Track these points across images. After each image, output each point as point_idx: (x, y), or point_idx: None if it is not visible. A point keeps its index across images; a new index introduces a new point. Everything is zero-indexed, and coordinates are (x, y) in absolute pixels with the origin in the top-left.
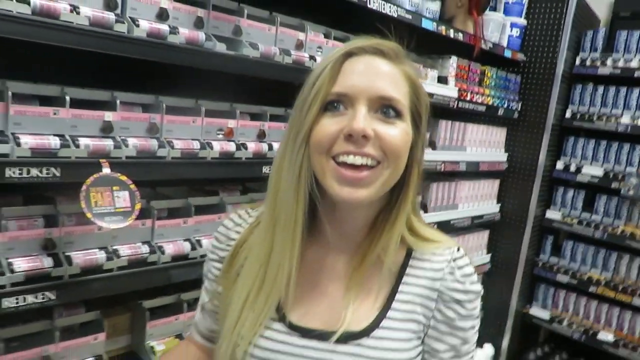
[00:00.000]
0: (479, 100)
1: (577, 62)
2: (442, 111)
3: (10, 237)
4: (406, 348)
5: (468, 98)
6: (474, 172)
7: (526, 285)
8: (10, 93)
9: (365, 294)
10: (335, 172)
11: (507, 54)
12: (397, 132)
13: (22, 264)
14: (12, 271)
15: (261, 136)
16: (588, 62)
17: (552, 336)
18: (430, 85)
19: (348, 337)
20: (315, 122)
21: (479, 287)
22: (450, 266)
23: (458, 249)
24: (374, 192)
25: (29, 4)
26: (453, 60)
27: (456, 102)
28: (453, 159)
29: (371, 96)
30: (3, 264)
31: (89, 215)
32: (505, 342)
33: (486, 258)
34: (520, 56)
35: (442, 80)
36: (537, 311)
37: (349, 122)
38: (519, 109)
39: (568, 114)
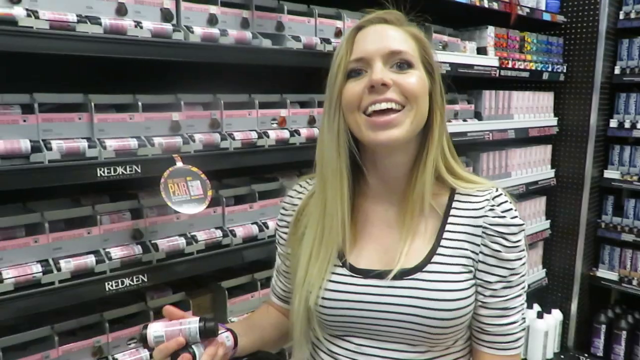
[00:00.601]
0: (522, 67)
1: (621, 16)
2: (484, 82)
3: (105, 229)
4: (458, 280)
5: (510, 66)
6: (524, 138)
7: (590, 248)
8: (92, 105)
9: (415, 234)
10: (368, 122)
11: (546, 17)
12: (413, 78)
13: (117, 252)
14: (110, 259)
15: (311, 122)
16: (633, 15)
17: (622, 297)
18: (469, 57)
19: (404, 274)
20: (342, 89)
21: (520, 221)
22: (490, 204)
23: (497, 190)
24: (405, 131)
25: (100, 24)
26: (490, 30)
27: (498, 71)
28: (500, 127)
29: (383, 53)
30: (102, 253)
31: (169, 203)
32: (574, 307)
33: (546, 224)
34: (560, 18)
35: (481, 51)
36: (605, 273)
37: (369, 77)
38: (564, 71)
39: (617, 71)
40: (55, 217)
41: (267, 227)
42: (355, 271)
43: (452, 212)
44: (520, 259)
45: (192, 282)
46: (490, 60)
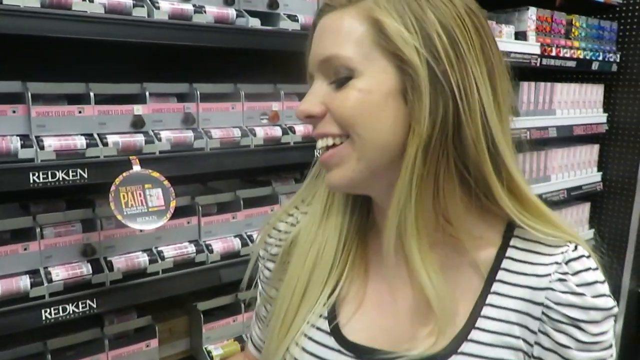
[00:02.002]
0: (567, 55)
1: None
2: (523, 72)
3: (47, 244)
4: None
5: (553, 53)
6: (567, 137)
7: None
8: (29, 94)
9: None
10: None
11: None
12: (346, 95)
13: (60, 272)
14: (50, 280)
15: None
16: None
17: None
18: (506, 42)
19: None
20: None
21: (607, 302)
22: (561, 270)
23: (576, 248)
24: (350, 171)
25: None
26: (531, 12)
27: (539, 60)
28: (540, 124)
29: (316, 65)
30: (41, 273)
31: (119, 217)
32: (618, 327)
33: (588, 234)
34: None
35: (520, 36)
36: None
37: None
38: (617, 61)
39: None
40: None
41: (252, 241)
42: (346, 345)
43: (501, 275)
44: None
45: (168, 301)
46: (531, 46)
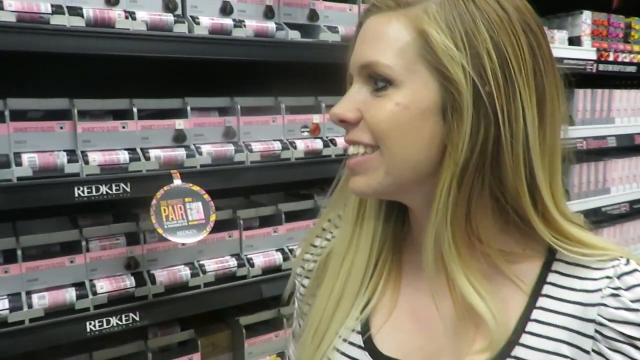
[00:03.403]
0: (627, 60)
1: None
2: (578, 78)
3: (93, 257)
4: None
5: (611, 58)
6: (628, 147)
7: None
8: (76, 111)
9: (475, 318)
10: None
11: None
12: (382, 107)
13: (105, 285)
14: (94, 293)
15: None
16: None
17: None
18: (558, 48)
19: None
20: None
21: None
22: (613, 285)
23: (628, 262)
24: (375, 182)
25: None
26: (586, 16)
27: (595, 65)
28: (598, 134)
29: (357, 69)
30: (86, 286)
31: (159, 230)
32: None
33: None
34: None
35: (573, 41)
36: None
37: None
38: None
39: None
40: (32, 243)
41: (294, 256)
42: (379, 358)
43: (547, 290)
44: None
45: (212, 314)
46: (586, 52)
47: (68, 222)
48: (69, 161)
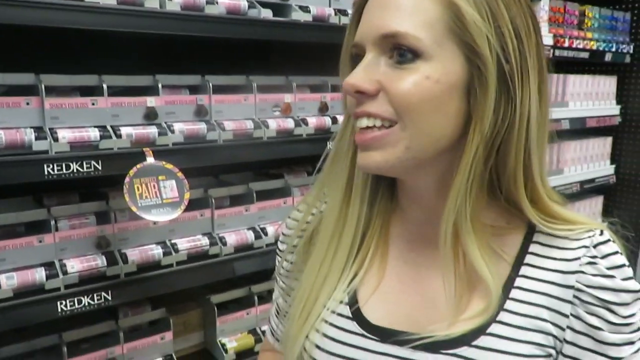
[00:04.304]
0: (580, 46)
1: None
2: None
3: (62, 237)
4: None
5: (566, 45)
6: (580, 130)
7: None
8: (43, 86)
9: (468, 286)
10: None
11: None
12: (411, 80)
13: (75, 265)
14: (65, 272)
15: (323, 109)
16: None
17: None
18: None
19: (441, 345)
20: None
21: (636, 285)
22: (590, 254)
23: (602, 233)
24: (394, 157)
25: None
26: (544, 3)
27: (552, 51)
28: (553, 117)
29: (375, 38)
30: (56, 266)
31: (134, 208)
32: None
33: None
34: None
35: None
36: None
37: None
38: (631, 52)
39: None
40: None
41: (266, 234)
42: (368, 328)
43: (529, 259)
44: (633, 343)
45: (183, 294)
46: (544, 37)
47: (32, 201)
48: (37, 138)
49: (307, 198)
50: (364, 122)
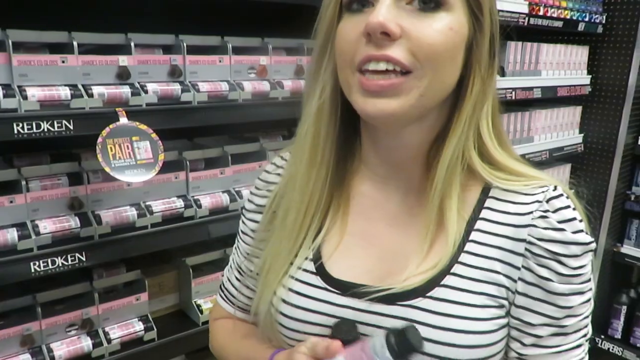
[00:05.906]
0: (555, 15)
1: None
2: (510, 31)
3: (34, 197)
4: (479, 317)
5: (541, 13)
6: (551, 99)
7: (616, 222)
8: (10, 42)
9: (425, 242)
10: (359, 83)
11: None
12: (436, 28)
13: (48, 225)
14: (37, 233)
15: (299, 72)
16: None
17: None
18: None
19: (397, 297)
20: (333, 27)
21: (586, 237)
22: (542, 208)
23: (555, 188)
24: (408, 105)
25: None
26: None
27: (527, 19)
28: (525, 85)
29: None
30: (29, 226)
31: (107, 169)
32: (593, 285)
33: None
34: None
35: None
36: (630, 249)
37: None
38: (603, 22)
39: None
40: None
41: (241, 197)
42: (331, 282)
43: (484, 214)
44: (583, 293)
45: (157, 256)
46: (519, 5)
47: (1, 161)
48: (5, 96)
49: (276, 159)
50: (382, 66)
